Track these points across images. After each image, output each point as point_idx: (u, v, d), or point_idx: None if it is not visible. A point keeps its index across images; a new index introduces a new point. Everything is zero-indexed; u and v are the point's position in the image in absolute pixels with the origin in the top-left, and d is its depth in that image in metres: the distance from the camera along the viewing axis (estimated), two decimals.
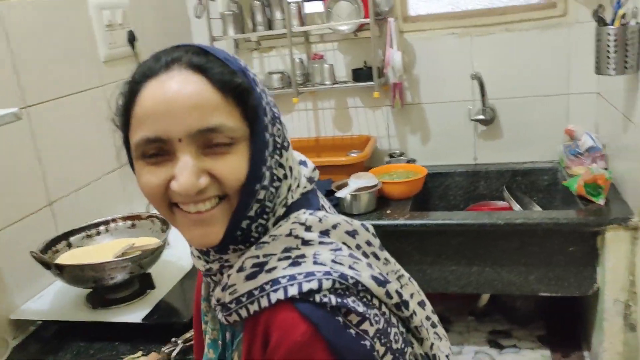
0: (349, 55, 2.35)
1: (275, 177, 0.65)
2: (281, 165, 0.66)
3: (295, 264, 0.62)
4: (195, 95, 0.59)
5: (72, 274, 1.32)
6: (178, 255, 1.63)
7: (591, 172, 1.82)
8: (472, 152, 2.33)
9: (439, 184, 2.31)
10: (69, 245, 1.47)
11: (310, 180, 0.72)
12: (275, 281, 0.61)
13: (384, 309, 0.64)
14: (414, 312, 0.68)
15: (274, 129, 0.65)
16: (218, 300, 0.67)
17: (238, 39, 2.40)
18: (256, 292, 0.62)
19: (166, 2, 2.24)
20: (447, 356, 0.74)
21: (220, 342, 0.75)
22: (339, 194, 1.97)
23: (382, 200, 2.03)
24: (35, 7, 1.54)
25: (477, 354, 2.20)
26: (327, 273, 0.61)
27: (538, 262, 1.82)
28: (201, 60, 0.61)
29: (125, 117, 0.64)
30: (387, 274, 0.69)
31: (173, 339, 1.24)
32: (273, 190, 0.65)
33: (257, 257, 0.63)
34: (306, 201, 0.69)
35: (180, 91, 0.59)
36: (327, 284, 0.60)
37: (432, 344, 0.71)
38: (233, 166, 0.61)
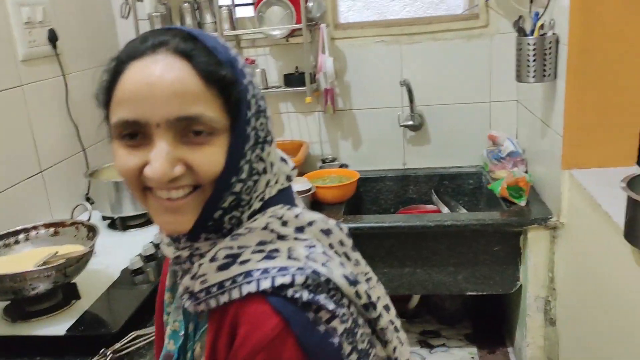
0: (281, 61, 2.35)
1: (254, 171, 0.64)
2: (262, 160, 0.65)
3: (269, 257, 0.62)
4: (178, 82, 0.58)
5: None
6: (105, 263, 1.56)
7: (513, 175, 1.91)
8: (401, 157, 2.39)
9: (371, 188, 2.36)
10: None
11: (288, 178, 0.72)
12: (248, 273, 0.61)
13: (352, 308, 0.65)
14: (381, 314, 0.69)
15: (258, 122, 0.64)
16: (186, 289, 0.65)
17: None
18: (227, 283, 0.61)
19: (90, 1, 2.15)
20: None
21: (182, 333, 0.73)
22: None
23: (315, 205, 2.04)
24: None
25: None
26: (301, 269, 0.61)
27: (466, 262, 1.89)
28: (188, 46, 0.60)
29: (107, 95, 0.63)
30: (357, 275, 0.70)
31: (102, 350, 1.18)
32: (251, 183, 0.64)
33: (231, 248, 0.63)
34: (283, 198, 0.69)
35: (163, 76, 0.58)
36: (299, 279, 0.60)
37: (395, 347, 0.72)
38: (210, 158, 0.60)
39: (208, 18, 2.23)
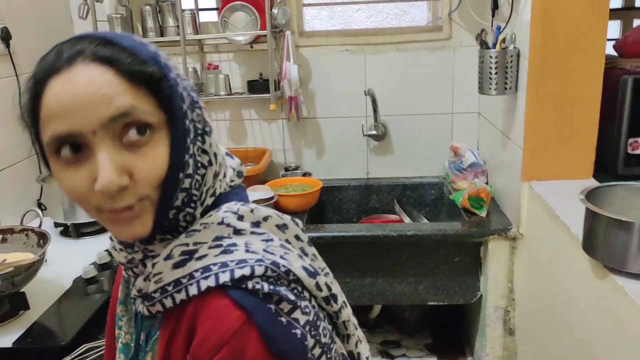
0: (245, 67, 2.32)
1: (199, 164, 0.63)
2: (205, 152, 0.64)
3: (226, 251, 0.60)
4: (104, 87, 0.56)
5: None
6: (56, 272, 1.50)
7: (474, 186, 1.93)
8: (364, 167, 2.39)
9: (334, 197, 2.34)
10: None
11: (238, 174, 0.71)
12: (205, 268, 0.59)
13: (312, 302, 0.64)
14: (342, 307, 0.68)
15: (194, 114, 0.63)
16: (139, 291, 0.63)
17: None
18: (184, 280, 0.59)
19: (47, 0, 2.08)
20: (367, 358, 0.74)
21: (132, 344, 0.70)
22: None
23: None
24: None
25: None
26: (260, 260, 0.59)
27: (427, 273, 1.89)
28: (107, 51, 0.57)
29: (32, 116, 0.59)
30: (316, 268, 0.69)
31: None
32: (199, 177, 0.63)
33: (187, 244, 0.61)
34: (237, 195, 0.68)
35: (87, 87, 0.55)
36: (259, 270, 0.58)
37: (357, 342, 0.71)
38: (153, 161, 0.58)
39: (170, 22, 2.18)
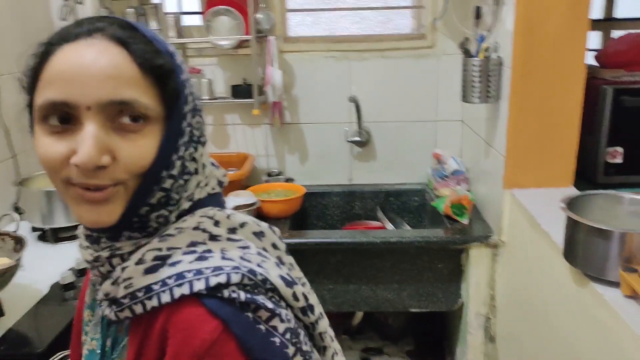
0: (228, 72, 2.31)
1: (186, 169, 0.61)
2: (194, 160, 0.63)
3: (201, 258, 0.59)
4: (113, 66, 0.55)
5: None
6: (33, 277, 1.47)
7: (457, 193, 1.94)
8: (348, 173, 2.39)
9: (317, 203, 2.34)
10: None
11: (220, 184, 0.70)
12: (179, 275, 0.57)
13: (289, 311, 0.62)
14: (319, 318, 0.67)
15: (194, 120, 0.62)
16: (107, 295, 0.60)
17: None
18: (156, 287, 0.57)
19: (26, 1, 2.05)
20: None
21: (99, 351, 0.67)
22: None
23: (260, 219, 1.99)
24: None
25: None
26: (236, 267, 0.58)
27: (409, 279, 1.89)
28: (126, 34, 0.57)
29: (33, 78, 0.58)
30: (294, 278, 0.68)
31: None
32: (182, 182, 0.61)
33: (160, 249, 0.59)
34: (213, 201, 0.66)
35: (97, 59, 0.55)
36: (235, 278, 0.57)
37: (333, 354, 0.70)
38: (139, 149, 0.57)
39: (153, 25, 2.16)
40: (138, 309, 0.58)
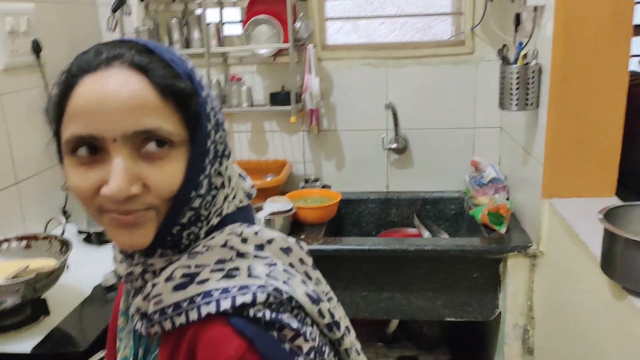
0: (267, 79, 2.35)
1: (212, 186, 0.63)
2: (220, 174, 0.64)
3: (228, 276, 0.60)
4: (134, 96, 0.57)
5: None
6: (78, 278, 1.53)
7: (494, 202, 1.91)
8: (384, 180, 2.39)
9: (353, 210, 2.35)
10: None
11: (248, 196, 0.70)
12: (207, 293, 0.58)
13: (315, 328, 0.63)
14: (345, 334, 0.67)
15: (217, 135, 0.63)
16: (138, 310, 0.63)
17: None
18: (184, 304, 0.59)
19: (76, 13, 2.14)
20: None
21: (131, 359, 0.70)
22: None
23: (296, 225, 2.02)
24: None
25: None
26: (262, 286, 0.59)
27: (444, 288, 1.88)
28: (144, 59, 0.58)
29: (58, 110, 0.60)
30: (320, 294, 0.68)
31: None
32: (209, 198, 0.63)
33: (189, 267, 0.60)
34: (242, 216, 0.67)
35: (118, 90, 0.56)
36: (261, 298, 0.58)
37: None
38: (168, 175, 0.58)
39: (196, 34, 2.22)
40: (167, 325, 0.59)
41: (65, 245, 1.42)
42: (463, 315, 1.90)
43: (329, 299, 0.71)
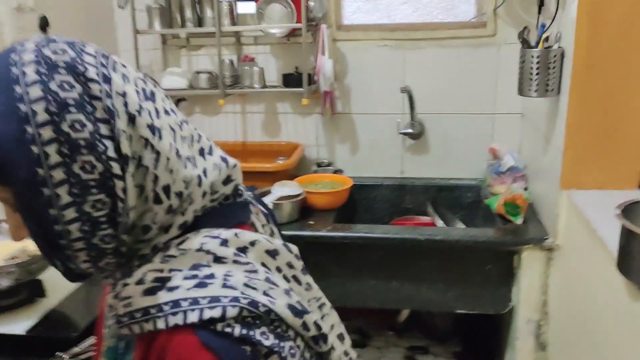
0: (281, 60, 2.29)
1: (104, 221, 0.56)
2: (142, 188, 0.57)
3: (201, 285, 0.56)
4: None
5: None
6: None
7: (511, 191, 1.83)
8: (399, 165, 2.32)
9: (365, 195, 2.29)
10: None
11: (228, 180, 0.65)
12: (175, 303, 0.56)
13: (298, 341, 0.59)
14: (333, 347, 0.64)
15: (75, 166, 0.53)
16: (111, 307, 0.61)
17: (165, 34, 2.29)
18: (153, 311, 0.56)
19: None
20: None
21: (114, 350, 0.69)
22: None
23: (306, 210, 1.97)
24: None
25: None
26: (235, 299, 0.55)
27: (456, 280, 1.81)
28: None
29: None
30: (309, 301, 0.65)
31: (57, 354, 1.13)
32: (108, 232, 0.56)
33: (161, 270, 0.58)
34: (221, 216, 0.63)
35: None
36: (231, 312, 0.54)
37: None
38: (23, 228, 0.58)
39: (208, 13, 2.17)
40: (136, 329, 0.58)
41: None
42: (475, 307, 1.84)
43: (320, 306, 0.67)
